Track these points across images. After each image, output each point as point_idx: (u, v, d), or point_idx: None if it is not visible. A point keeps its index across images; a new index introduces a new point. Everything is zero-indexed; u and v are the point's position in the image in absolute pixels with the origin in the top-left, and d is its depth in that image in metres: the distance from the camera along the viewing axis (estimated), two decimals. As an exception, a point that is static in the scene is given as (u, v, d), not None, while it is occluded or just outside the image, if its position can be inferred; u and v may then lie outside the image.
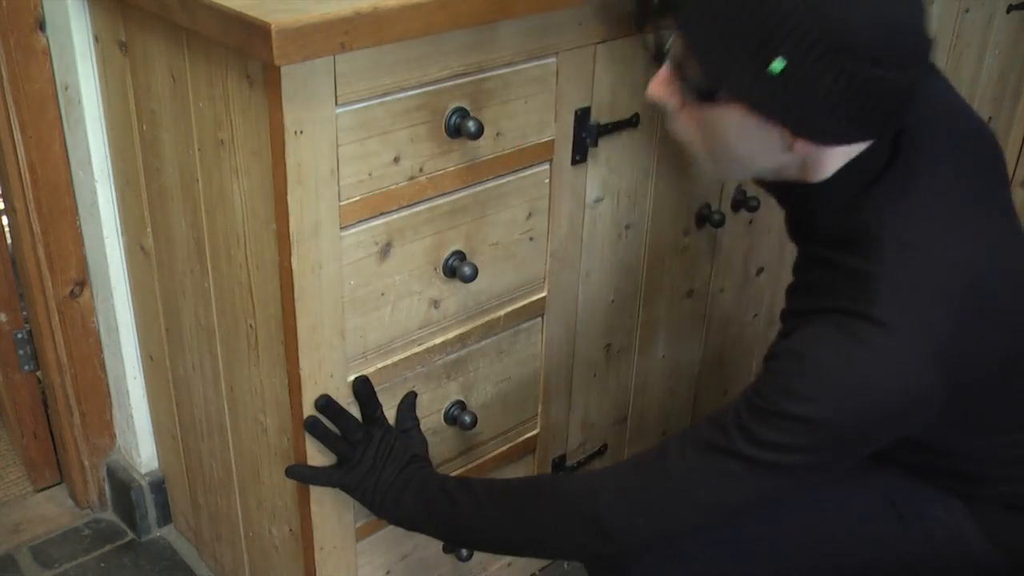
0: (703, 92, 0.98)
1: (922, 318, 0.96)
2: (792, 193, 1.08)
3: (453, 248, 1.26)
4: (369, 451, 1.23)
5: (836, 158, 1.01)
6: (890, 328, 0.95)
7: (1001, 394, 1.10)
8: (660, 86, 1.03)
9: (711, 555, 1.17)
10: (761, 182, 1.13)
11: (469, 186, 1.24)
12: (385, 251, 1.19)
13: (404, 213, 1.19)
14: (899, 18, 0.91)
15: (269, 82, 1.03)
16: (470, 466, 1.44)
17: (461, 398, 1.37)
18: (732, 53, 0.92)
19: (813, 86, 0.91)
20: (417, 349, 1.28)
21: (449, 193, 1.23)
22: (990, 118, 2.20)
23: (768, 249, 1.74)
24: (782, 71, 0.90)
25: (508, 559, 1.60)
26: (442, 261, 1.26)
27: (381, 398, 1.27)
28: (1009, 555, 1.16)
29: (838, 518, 1.18)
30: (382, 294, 1.21)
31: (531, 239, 1.35)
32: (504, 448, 1.48)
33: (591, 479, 1.11)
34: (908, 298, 0.97)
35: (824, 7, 0.88)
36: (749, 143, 1.00)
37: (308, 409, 1.20)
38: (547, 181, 1.33)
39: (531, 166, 1.30)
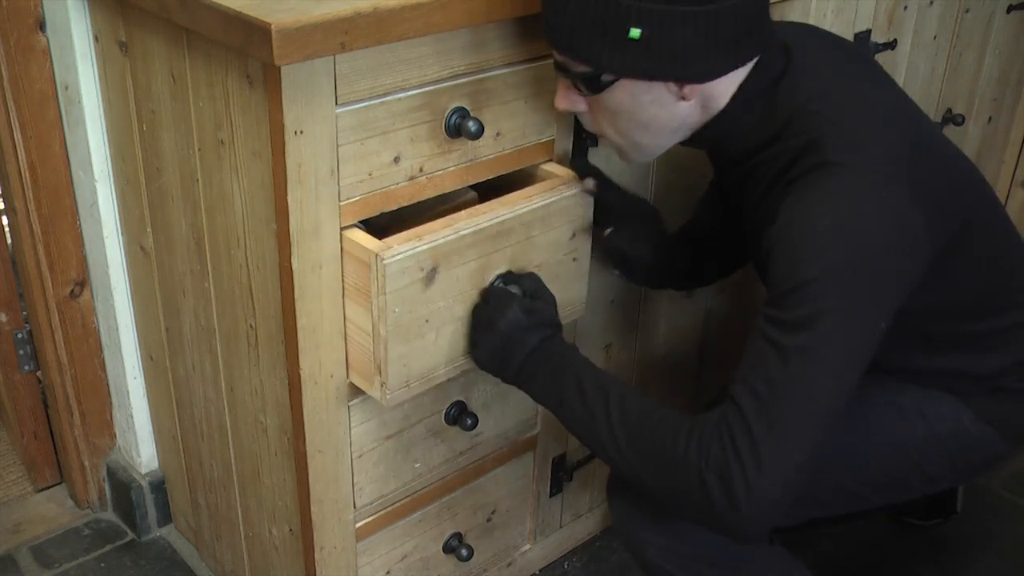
0: (592, 83, 1.08)
1: (877, 151, 1.06)
2: (710, 140, 1.15)
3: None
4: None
5: (726, 86, 1.10)
6: (853, 164, 1.04)
7: (973, 274, 1.20)
8: (562, 98, 1.15)
9: None
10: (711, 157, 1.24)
11: (469, 186, 1.24)
12: (385, 251, 1.19)
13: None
14: None
15: (269, 82, 1.03)
16: (470, 466, 1.44)
17: (462, 399, 1.37)
18: (596, 41, 1.04)
19: (671, 37, 1.02)
20: (417, 349, 1.28)
21: (449, 194, 1.23)
22: (990, 118, 2.20)
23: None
24: (640, 35, 1.01)
25: (508, 560, 1.60)
26: (442, 261, 1.26)
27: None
28: (1001, 432, 1.27)
29: (856, 435, 1.24)
30: (382, 294, 1.21)
31: (574, 259, 1.34)
32: (504, 448, 1.48)
33: (709, 445, 1.05)
34: (856, 140, 1.06)
35: None
36: (648, 109, 1.10)
37: (308, 409, 1.20)
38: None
39: (531, 166, 1.30)
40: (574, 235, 1.30)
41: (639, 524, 1.26)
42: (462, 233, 1.16)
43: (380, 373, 1.16)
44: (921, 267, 1.07)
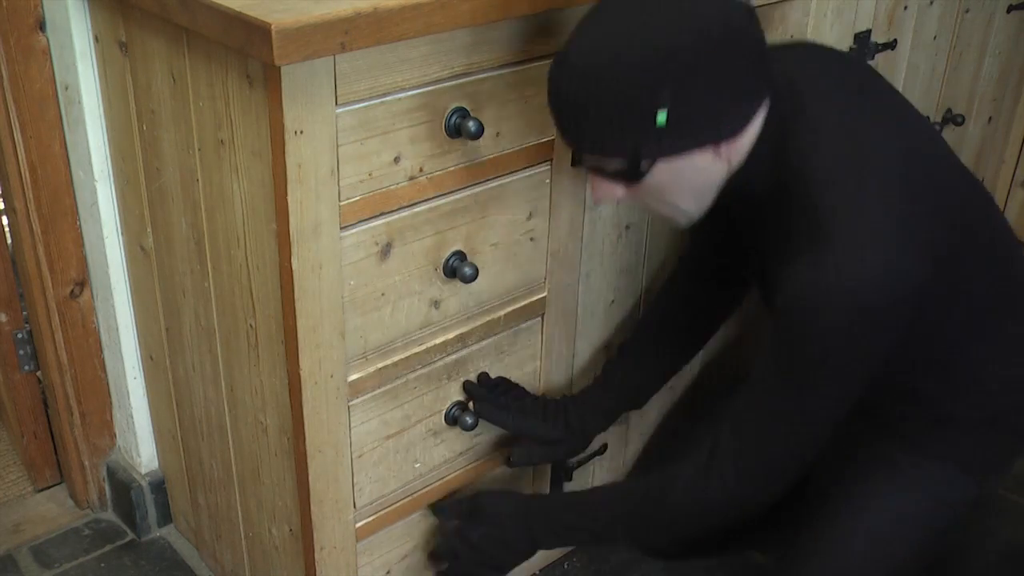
0: (631, 174, 1.09)
1: (878, 207, 1.06)
2: (728, 191, 1.16)
3: (453, 248, 1.26)
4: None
5: (749, 135, 1.11)
6: (854, 230, 1.05)
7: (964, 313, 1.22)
8: (600, 194, 1.15)
9: None
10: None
11: (469, 186, 1.24)
12: (385, 251, 1.19)
13: (404, 213, 1.19)
14: (694, 7, 1.02)
15: (269, 82, 1.03)
16: (470, 466, 1.44)
17: (462, 399, 1.37)
18: (627, 134, 1.05)
19: (696, 104, 1.03)
20: (417, 349, 1.28)
21: (449, 193, 1.23)
22: (990, 118, 2.20)
23: (768, 249, 1.74)
24: (667, 117, 1.02)
25: (508, 559, 1.60)
26: (442, 261, 1.26)
27: (381, 400, 1.27)
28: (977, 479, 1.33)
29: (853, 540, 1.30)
30: (382, 294, 1.21)
31: (532, 239, 1.35)
32: (505, 448, 1.48)
33: (705, 489, 1.21)
34: (855, 201, 1.07)
35: (644, 59, 1.01)
36: (692, 177, 1.11)
37: (308, 409, 1.20)
38: (547, 181, 1.33)
39: (531, 166, 1.30)
40: (530, 215, 1.32)
41: None
42: (416, 210, 1.19)
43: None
44: (918, 313, 1.11)
